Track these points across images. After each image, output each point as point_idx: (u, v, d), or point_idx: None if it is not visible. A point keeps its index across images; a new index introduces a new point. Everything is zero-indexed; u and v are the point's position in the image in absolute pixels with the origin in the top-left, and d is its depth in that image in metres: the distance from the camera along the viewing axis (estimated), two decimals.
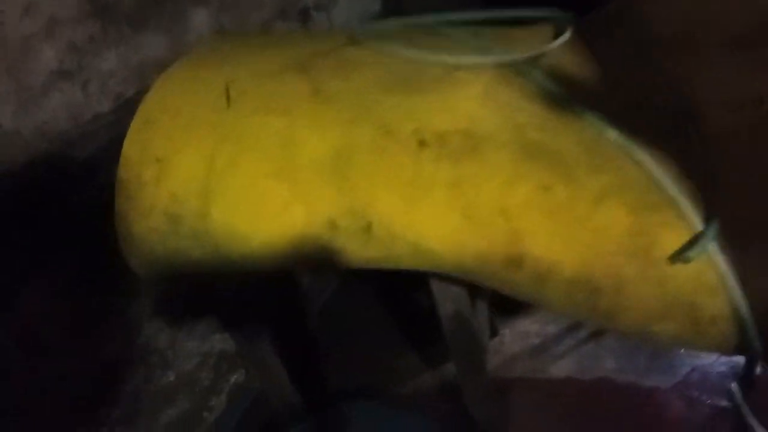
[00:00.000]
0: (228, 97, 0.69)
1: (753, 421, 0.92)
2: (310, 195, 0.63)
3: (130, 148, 0.65)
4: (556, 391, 1.06)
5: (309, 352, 1.20)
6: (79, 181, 0.80)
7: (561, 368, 1.09)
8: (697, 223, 0.59)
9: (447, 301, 0.84)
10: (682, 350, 1.04)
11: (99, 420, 0.89)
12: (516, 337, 1.16)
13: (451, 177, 0.64)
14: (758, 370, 0.89)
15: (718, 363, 1.02)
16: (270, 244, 0.63)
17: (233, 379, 1.15)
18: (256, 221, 0.63)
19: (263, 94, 0.71)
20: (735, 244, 0.59)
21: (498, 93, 0.77)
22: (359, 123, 0.67)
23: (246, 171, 0.64)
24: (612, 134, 0.67)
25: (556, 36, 0.83)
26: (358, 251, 0.63)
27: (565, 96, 0.75)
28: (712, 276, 0.58)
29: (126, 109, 0.90)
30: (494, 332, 1.18)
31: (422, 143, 0.66)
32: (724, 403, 0.97)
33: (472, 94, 0.74)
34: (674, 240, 0.59)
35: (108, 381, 0.91)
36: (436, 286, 0.81)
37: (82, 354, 0.86)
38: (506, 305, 1.04)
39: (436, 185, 0.63)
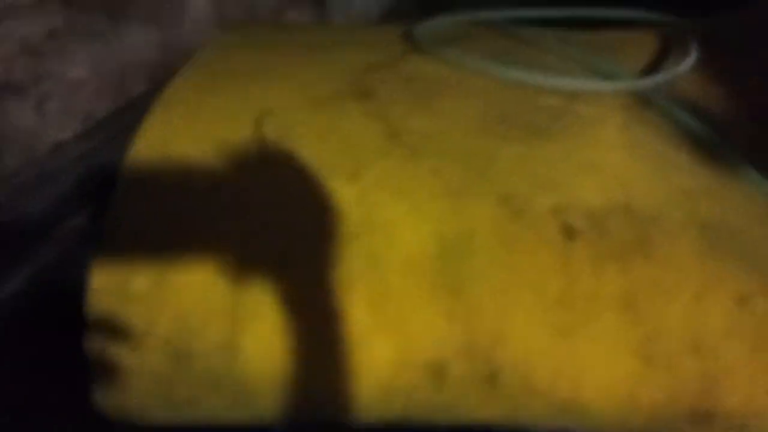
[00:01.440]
0: (263, 141, 0.45)
1: None
2: (405, 322, 0.38)
3: (112, 235, 0.39)
4: None
5: None
6: (31, 252, 0.55)
7: None
8: None
9: None
10: None
11: None
12: None
13: (620, 291, 0.40)
14: None
15: None
16: (334, 396, 0.39)
17: None
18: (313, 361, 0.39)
19: (315, 137, 0.46)
20: None
21: (641, 138, 0.54)
22: (470, 193, 0.43)
23: None
24: None
25: (665, 46, 0.66)
26: (473, 409, 0.39)
27: (716, 141, 0.54)
28: None
29: (98, 136, 0.64)
30: None
31: (569, 231, 0.42)
32: None
33: (613, 141, 0.52)
34: None
35: None
36: None
37: None
38: None
39: (599, 305, 0.40)
